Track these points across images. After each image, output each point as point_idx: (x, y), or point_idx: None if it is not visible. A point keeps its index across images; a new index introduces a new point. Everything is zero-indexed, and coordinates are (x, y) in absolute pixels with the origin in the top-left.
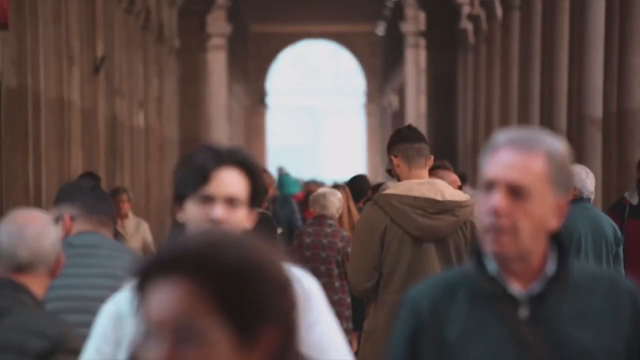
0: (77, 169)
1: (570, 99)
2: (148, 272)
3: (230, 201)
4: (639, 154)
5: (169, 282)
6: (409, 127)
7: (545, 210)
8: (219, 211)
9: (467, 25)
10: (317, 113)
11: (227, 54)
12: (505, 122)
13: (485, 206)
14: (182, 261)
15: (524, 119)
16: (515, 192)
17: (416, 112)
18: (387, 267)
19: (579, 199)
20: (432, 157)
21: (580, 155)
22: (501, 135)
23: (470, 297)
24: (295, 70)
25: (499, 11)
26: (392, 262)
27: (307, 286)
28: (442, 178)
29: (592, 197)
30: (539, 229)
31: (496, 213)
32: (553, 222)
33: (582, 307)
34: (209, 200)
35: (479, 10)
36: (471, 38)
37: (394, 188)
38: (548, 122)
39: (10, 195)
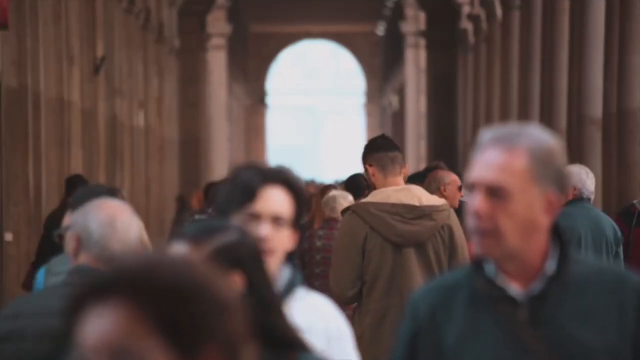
0: (77, 169)
1: (570, 99)
2: (83, 295)
3: (276, 220)
4: (639, 154)
5: (105, 304)
6: (383, 136)
7: (530, 208)
8: (265, 230)
9: (467, 25)
10: (317, 113)
11: (227, 54)
12: (505, 121)
13: (468, 208)
14: (118, 282)
15: (524, 119)
16: (495, 192)
17: (416, 112)
18: (369, 275)
19: (579, 199)
20: (406, 165)
21: (580, 155)
22: (485, 134)
23: (469, 299)
24: (295, 70)
25: (499, 11)
26: (374, 270)
27: (337, 325)
28: (442, 178)
29: (592, 197)
30: (526, 228)
31: (477, 215)
32: (544, 219)
33: (585, 306)
34: (254, 218)
35: (479, 10)
36: (471, 38)
37: (371, 196)
38: (548, 122)
39: (10, 195)
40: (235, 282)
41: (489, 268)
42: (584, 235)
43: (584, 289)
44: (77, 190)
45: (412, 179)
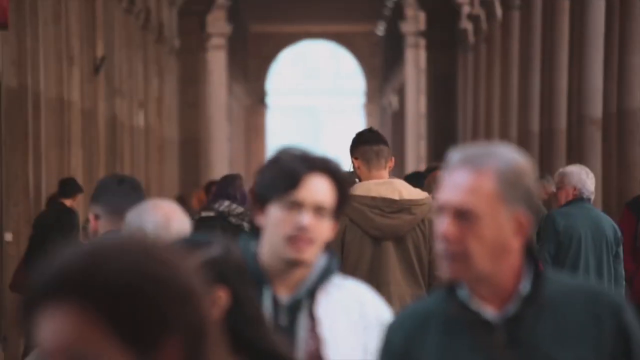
0: (77, 169)
1: (570, 99)
2: (33, 299)
3: (318, 210)
4: (639, 154)
5: (55, 308)
6: (370, 129)
7: (500, 230)
8: (307, 219)
9: (467, 25)
10: (317, 113)
11: (227, 54)
12: (505, 122)
13: (436, 232)
14: (64, 284)
15: (523, 119)
16: (463, 215)
17: (416, 112)
18: (348, 268)
19: (579, 199)
20: (393, 158)
21: (580, 155)
22: (453, 155)
23: (444, 326)
24: (295, 70)
25: (498, 11)
26: (353, 262)
27: (375, 312)
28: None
29: (592, 197)
30: (496, 250)
31: (445, 239)
32: (514, 241)
33: (562, 326)
34: (296, 206)
35: (479, 10)
36: (471, 38)
37: (353, 189)
38: (548, 122)
39: (10, 195)
40: (220, 298)
41: (462, 292)
42: (584, 236)
43: (560, 308)
44: (102, 180)
45: (412, 179)
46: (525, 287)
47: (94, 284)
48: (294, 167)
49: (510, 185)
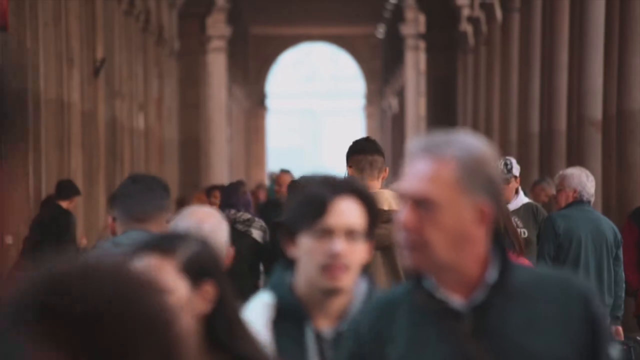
0: (77, 171)
1: (570, 100)
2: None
3: (350, 234)
4: (639, 155)
5: (18, 335)
6: (367, 139)
7: (460, 219)
8: (339, 245)
9: (466, 27)
10: (317, 115)
11: (227, 56)
12: (505, 123)
13: (396, 221)
14: (26, 311)
15: (523, 121)
16: (422, 204)
17: (416, 115)
18: None
19: (579, 202)
20: (387, 169)
21: (580, 156)
22: (414, 143)
23: (411, 315)
24: (295, 73)
25: (498, 13)
26: None
27: None
28: None
29: (592, 199)
30: (457, 239)
31: (404, 228)
32: (476, 230)
33: (530, 315)
34: (327, 233)
35: (479, 13)
36: (471, 40)
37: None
38: (548, 123)
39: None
40: (207, 292)
41: (429, 282)
42: (584, 238)
43: (529, 297)
44: (122, 181)
45: None
46: (492, 275)
47: (57, 312)
48: (319, 193)
49: (473, 173)
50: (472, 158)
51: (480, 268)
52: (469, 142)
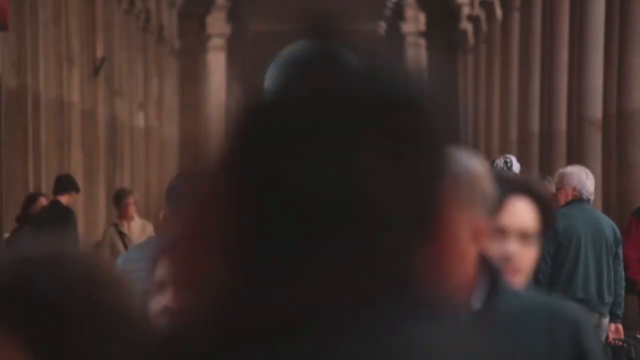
0: (77, 170)
1: (570, 100)
2: None
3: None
4: (639, 154)
5: None
6: None
7: (457, 236)
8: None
9: (466, 26)
10: None
11: (226, 54)
12: (505, 123)
13: None
14: None
15: (523, 120)
16: None
17: None
18: None
19: (578, 200)
20: None
21: (580, 156)
22: None
23: None
24: None
25: (498, 12)
26: None
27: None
28: None
29: (592, 198)
30: (453, 257)
31: None
32: (470, 248)
33: (516, 346)
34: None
35: (479, 11)
36: (471, 39)
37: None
38: (548, 123)
39: (10, 196)
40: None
41: None
42: (584, 236)
43: (514, 327)
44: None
45: None
46: (477, 300)
47: (19, 301)
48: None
49: (467, 190)
50: (467, 175)
51: (467, 292)
52: (462, 159)
